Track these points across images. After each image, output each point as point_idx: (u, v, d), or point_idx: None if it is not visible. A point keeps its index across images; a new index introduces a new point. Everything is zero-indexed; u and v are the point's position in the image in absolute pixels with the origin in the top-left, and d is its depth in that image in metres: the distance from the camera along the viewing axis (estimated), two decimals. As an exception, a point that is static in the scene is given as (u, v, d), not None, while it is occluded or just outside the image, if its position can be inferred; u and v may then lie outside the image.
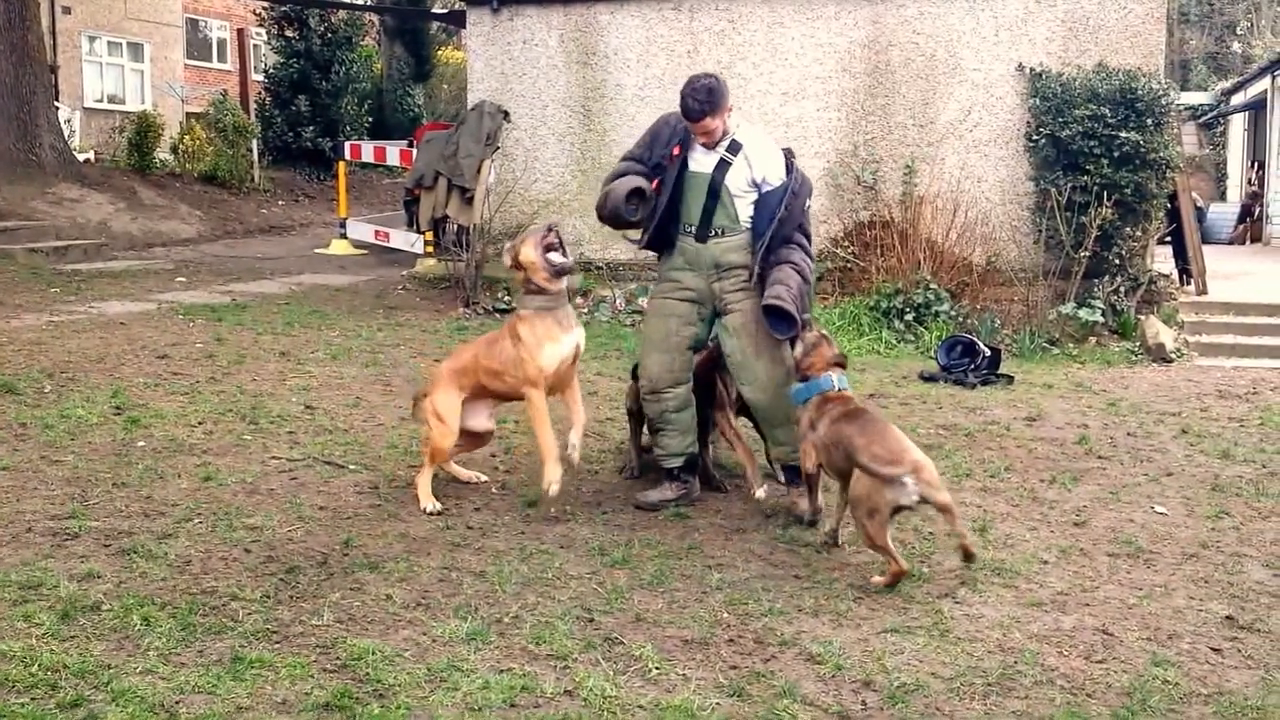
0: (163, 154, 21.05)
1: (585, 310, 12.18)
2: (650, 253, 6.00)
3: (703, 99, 5.45)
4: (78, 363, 8.33)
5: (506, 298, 12.12)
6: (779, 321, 5.42)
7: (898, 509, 4.65)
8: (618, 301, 12.21)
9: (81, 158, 19.80)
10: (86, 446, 6.28)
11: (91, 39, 26.03)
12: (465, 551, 4.94)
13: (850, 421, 4.96)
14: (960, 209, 11.76)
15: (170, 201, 18.79)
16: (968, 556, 4.75)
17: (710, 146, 5.57)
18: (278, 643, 3.95)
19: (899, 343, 10.92)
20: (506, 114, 12.86)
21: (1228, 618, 4.46)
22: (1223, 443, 7.31)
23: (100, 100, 26.03)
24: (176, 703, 3.52)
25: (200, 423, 6.91)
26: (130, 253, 15.83)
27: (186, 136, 21.29)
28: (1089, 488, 6.25)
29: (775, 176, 5.59)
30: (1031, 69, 11.89)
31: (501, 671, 3.79)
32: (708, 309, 5.71)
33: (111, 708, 3.46)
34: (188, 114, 25.73)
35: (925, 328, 11.08)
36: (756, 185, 5.59)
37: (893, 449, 4.71)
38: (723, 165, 5.58)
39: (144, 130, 19.94)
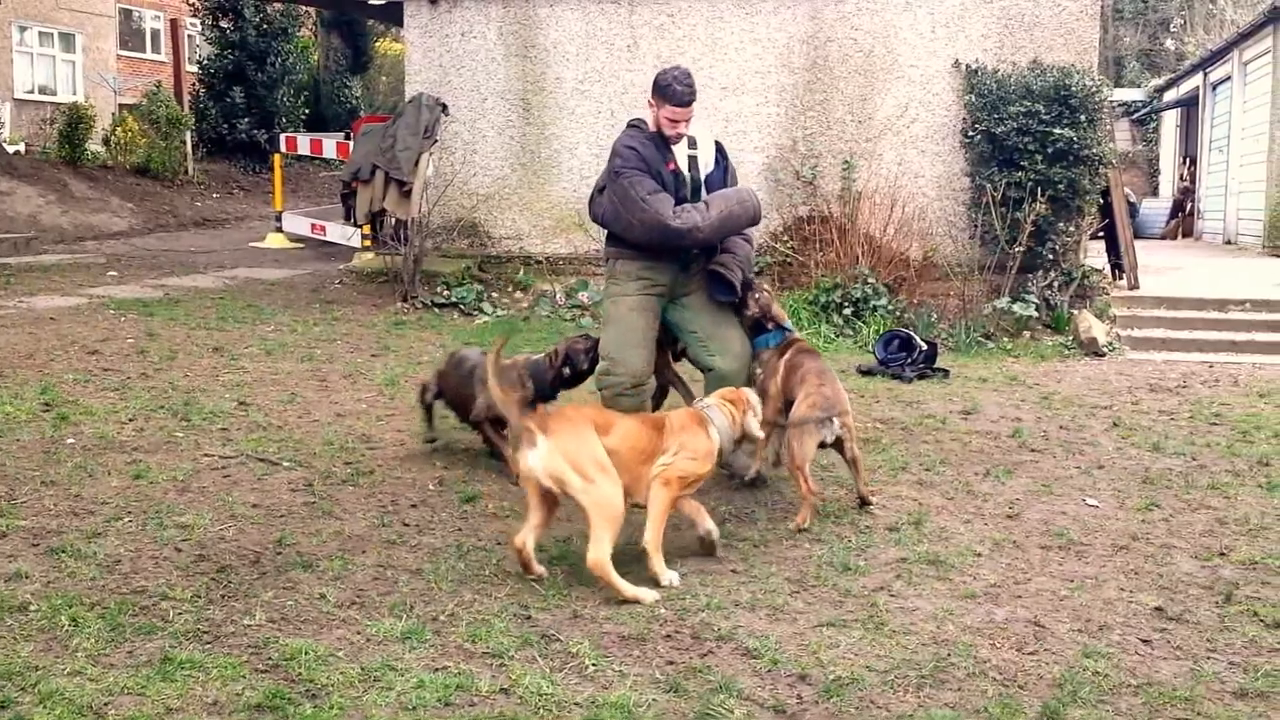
0: (95, 146, 20.69)
1: (526, 305, 12.14)
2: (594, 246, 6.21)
3: (691, 85, 5.68)
4: (6, 359, 8.16)
5: (446, 292, 12.04)
6: (720, 286, 5.84)
7: (823, 444, 5.54)
8: (558, 296, 12.18)
9: (11, 149, 19.42)
10: (14, 444, 6.15)
11: (22, 29, 25.47)
12: (401, 549, 4.90)
13: (811, 357, 5.84)
14: (898, 204, 11.86)
15: (102, 194, 18.47)
16: (864, 502, 5.67)
17: (676, 140, 5.78)
18: (209, 643, 3.90)
19: (837, 337, 10.99)
20: (445, 107, 12.77)
21: (1157, 609, 4.53)
22: (1153, 436, 7.43)
23: (31, 91, 25.50)
24: (105, 704, 3.45)
25: (131, 419, 6.80)
26: (61, 246, 15.54)
27: (119, 128, 20.95)
28: (1022, 480, 6.33)
29: (712, 159, 5.94)
30: (967, 65, 12.00)
31: (437, 670, 3.76)
32: (666, 300, 5.95)
33: (39, 710, 3.39)
34: (121, 105, 25.29)
35: (863, 322, 11.17)
36: (705, 170, 5.92)
37: (835, 395, 5.60)
38: (693, 162, 5.86)
39: (76, 122, 19.59)
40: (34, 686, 3.52)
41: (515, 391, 5.02)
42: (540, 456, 4.42)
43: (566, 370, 6.11)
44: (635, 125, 5.89)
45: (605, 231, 6.06)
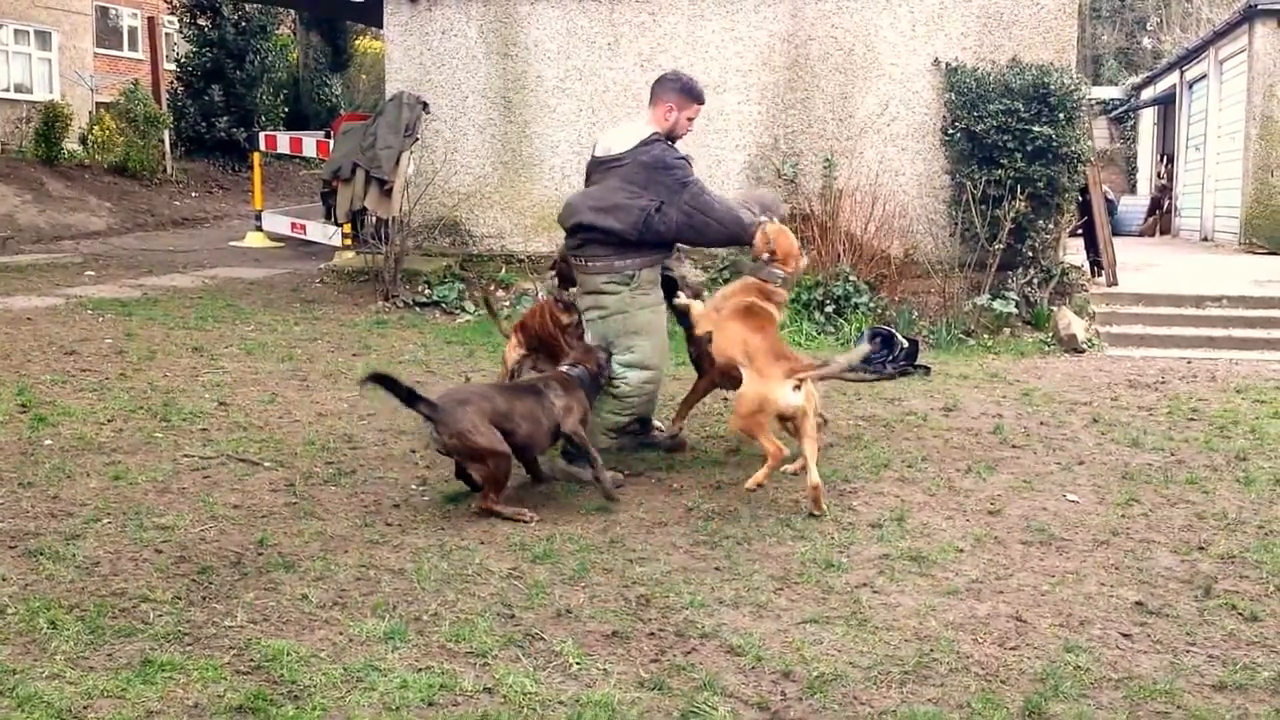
0: (71, 145, 20.58)
1: (508, 303, 12.12)
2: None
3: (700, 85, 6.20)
4: (-18, 359, 8.10)
5: (427, 291, 12.02)
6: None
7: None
8: (540, 295, 12.15)
9: (-14, 148, 19.27)
10: (-10, 446, 6.11)
11: (-3, 26, 25.32)
12: (384, 549, 4.88)
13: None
14: (879, 202, 11.88)
15: (79, 193, 18.37)
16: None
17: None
18: (189, 645, 3.87)
19: (819, 334, 11.01)
20: (425, 105, 12.73)
21: (1137, 603, 4.56)
22: (1132, 431, 7.47)
23: (6, 90, 25.31)
24: (85, 708, 3.43)
25: (110, 420, 6.76)
26: (37, 246, 15.45)
27: (96, 127, 20.84)
28: (1003, 477, 6.36)
29: None
30: (947, 64, 12.04)
31: (420, 670, 3.75)
32: None
33: (17, 714, 3.36)
34: (98, 104, 25.13)
35: (845, 319, 11.19)
36: None
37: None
38: None
39: (52, 120, 19.48)
40: (12, 690, 3.49)
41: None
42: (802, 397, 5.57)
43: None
44: (660, 139, 6.04)
45: (608, 242, 5.98)
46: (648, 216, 5.89)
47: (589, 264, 6.06)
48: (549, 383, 5.71)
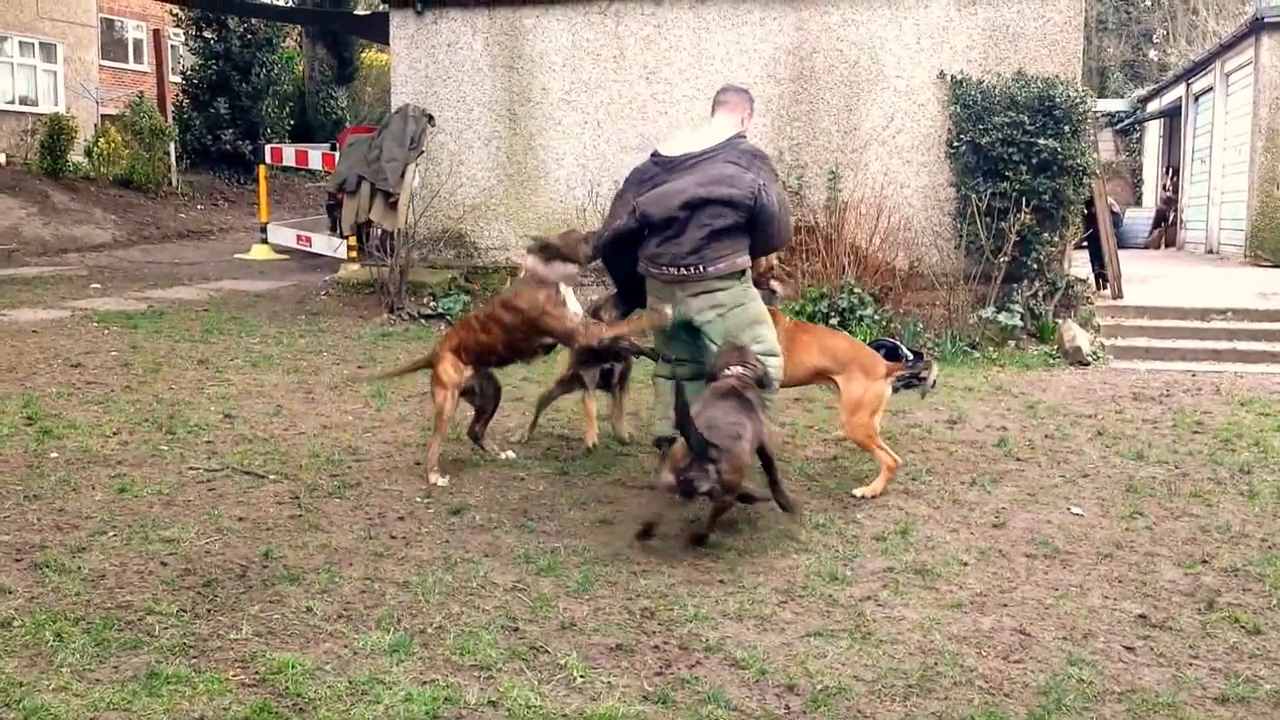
0: (77, 157, 20.64)
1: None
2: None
3: None
4: (-12, 371, 8.13)
5: (432, 303, 12.04)
6: None
7: None
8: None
9: (-8, 161, 19.35)
10: (-3, 458, 6.12)
11: (2, 39, 25.37)
12: (388, 561, 4.89)
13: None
14: (883, 214, 11.89)
15: (84, 206, 18.43)
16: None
17: None
18: (195, 657, 3.88)
19: (823, 347, 10.99)
20: (431, 118, 12.78)
21: (1141, 616, 4.56)
22: (1137, 444, 7.47)
23: (12, 102, 25.38)
24: (90, 720, 3.44)
25: (115, 433, 6.77)
26: (43, 259, 15.49)
27: (101, 139, 20.91)
28: (1008, 489, 6.36)
29: None
30: (952, 76, 12.05)
31: (424, 683, 3.75)
32: None
33: (22, 727, 3.38)
34: (103, 116, 25.22)
35: (850, 331, 11.17)
36: None
37: None
38: None
39: (57, 133, 19.55)
40: (19, 703, 3.51)
41: None
42: None
43: None
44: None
45: (726, 232, 5.79)
46: (758, 189, 5.74)
47: (708, 268, 5.77)
48: (751, 389, 5.40)
